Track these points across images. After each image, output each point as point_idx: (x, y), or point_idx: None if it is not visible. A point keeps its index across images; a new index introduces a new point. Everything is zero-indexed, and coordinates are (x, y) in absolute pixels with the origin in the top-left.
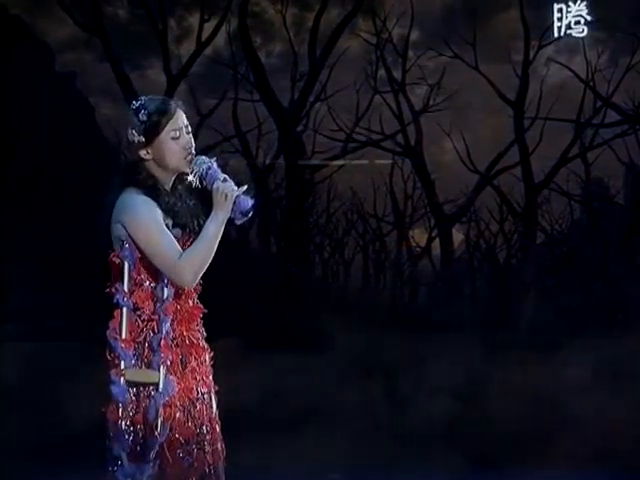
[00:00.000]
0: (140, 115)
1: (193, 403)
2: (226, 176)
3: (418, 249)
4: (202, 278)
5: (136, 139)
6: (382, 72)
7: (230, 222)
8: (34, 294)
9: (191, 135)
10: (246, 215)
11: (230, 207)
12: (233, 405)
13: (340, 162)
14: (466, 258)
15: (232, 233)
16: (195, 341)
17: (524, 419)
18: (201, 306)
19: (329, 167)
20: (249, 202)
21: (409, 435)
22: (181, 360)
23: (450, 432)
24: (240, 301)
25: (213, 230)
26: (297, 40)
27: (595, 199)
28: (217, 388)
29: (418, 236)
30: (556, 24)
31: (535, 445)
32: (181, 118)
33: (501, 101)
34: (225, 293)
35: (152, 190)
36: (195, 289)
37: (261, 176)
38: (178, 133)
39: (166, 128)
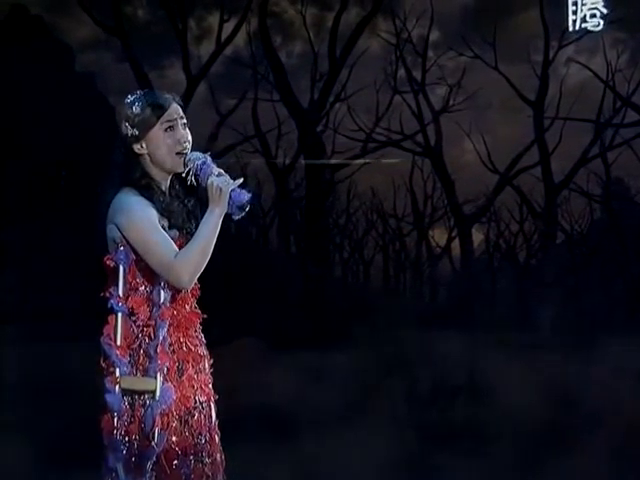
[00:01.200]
0: (134, 107)
1: (190, 412)
2: (221, 170)
3: (438, 249)
4: (206, 280)
5: (129, 132)
6: (402, 72)
7: (228, 218)
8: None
9: (188, 131)
10: (243, 209)
11: (226, 202)
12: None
13: (360, 162)
14: (486, 258)
15: (253, 233)
16: (193, 348)
17: (550, 418)
18: (199, 312)
19: (349, 167)
20: (245, 195)
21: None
22: (178, 367)
23: (468, 430)
24: (261, 300)
25: (209, 227)
26: (317, 40)
27: (615, 199)
28: (217, 397)
29: (438, 236)
30: (571, 17)
31: (562, 444)
32: (177, 111)
33: (521, 101)
34: (244, 293)
35: (146, 190)
36: (193, 294)
37: (281, 176)
38: (172, 125)
39: (160, 120)
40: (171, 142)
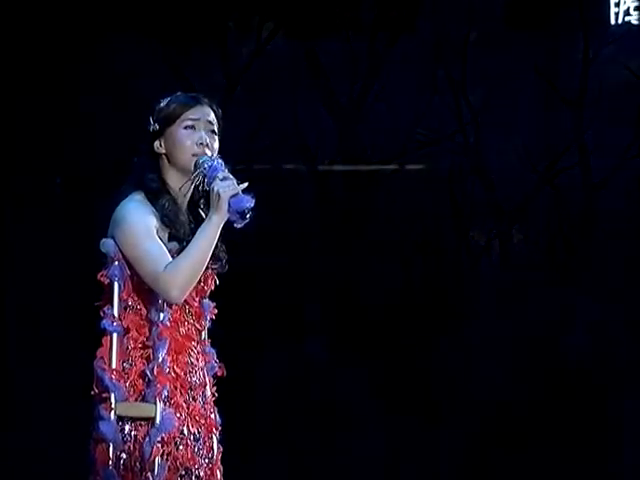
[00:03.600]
0: (161, 103)
1: (175, 443)
2: (227, 174)
3: (478, 248)
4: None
5: (151, 127)
6: (441, 72)
7: (230, 226)
8: None
9: (215, 138)
10: (244, 217)
11: (225, 209)
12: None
13: (397, 162)
14: (526, 258)
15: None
16: (182, 375)
17: None
18: (193, 336)
19: (388, 165)
20: (245, 202)
21: None
22: None
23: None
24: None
25: (205, 236)
26: (357, 39)
27: None
28: (219, 428)
29: (478, 236)
30: (613, 10)
31: None
32: (204, 113)
33: (560, 101)
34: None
35: (154, 193)
36: (197, 316)
37: (320, 176)
38: (193, 124)
39: (181, 117)
40: (189, 142)
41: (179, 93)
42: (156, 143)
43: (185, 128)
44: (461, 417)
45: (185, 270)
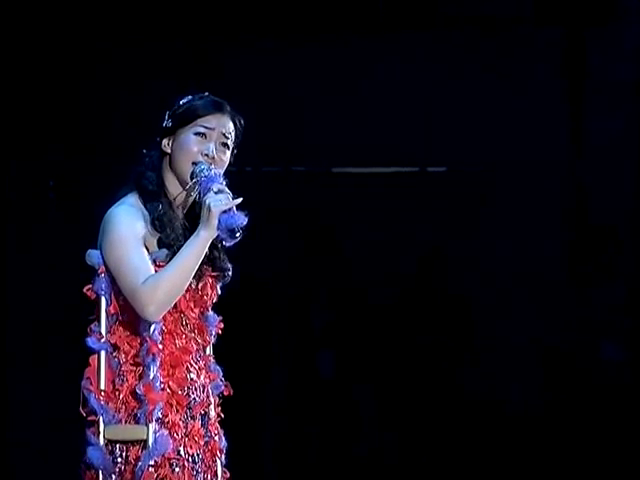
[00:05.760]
0: (182, 100)
1: (171, 465)
2: (223, 187)
3: None
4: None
5: (164, 123)
6: None
7: (220, 242)
8: None
9: (227, 154)
10: (233, 236)
11: (215, 224)
12: None
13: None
14: None
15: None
16: (179, 391)
17: None
18: (193, 350)
19: None
20: (237, 219)
21: None
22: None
23: None
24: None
25: (190, 250)
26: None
27: None
28: (224, 450)
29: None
30: None
31: None
32: (222, 124)
33: None
34: None
35: (147, 194)
36: (199, 329)
37: None
38: (206, 133)
39: (196, 121)
40: (195, 149)
41: (206, 94)
42: (165, 140)
43: (196, 134)
44: (473, 427)
45: (165, 285)
